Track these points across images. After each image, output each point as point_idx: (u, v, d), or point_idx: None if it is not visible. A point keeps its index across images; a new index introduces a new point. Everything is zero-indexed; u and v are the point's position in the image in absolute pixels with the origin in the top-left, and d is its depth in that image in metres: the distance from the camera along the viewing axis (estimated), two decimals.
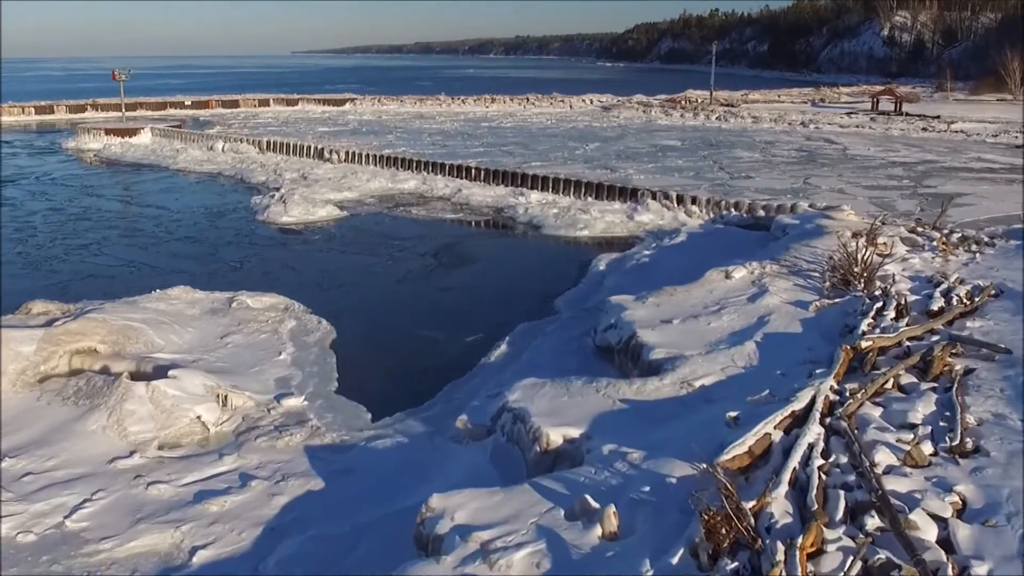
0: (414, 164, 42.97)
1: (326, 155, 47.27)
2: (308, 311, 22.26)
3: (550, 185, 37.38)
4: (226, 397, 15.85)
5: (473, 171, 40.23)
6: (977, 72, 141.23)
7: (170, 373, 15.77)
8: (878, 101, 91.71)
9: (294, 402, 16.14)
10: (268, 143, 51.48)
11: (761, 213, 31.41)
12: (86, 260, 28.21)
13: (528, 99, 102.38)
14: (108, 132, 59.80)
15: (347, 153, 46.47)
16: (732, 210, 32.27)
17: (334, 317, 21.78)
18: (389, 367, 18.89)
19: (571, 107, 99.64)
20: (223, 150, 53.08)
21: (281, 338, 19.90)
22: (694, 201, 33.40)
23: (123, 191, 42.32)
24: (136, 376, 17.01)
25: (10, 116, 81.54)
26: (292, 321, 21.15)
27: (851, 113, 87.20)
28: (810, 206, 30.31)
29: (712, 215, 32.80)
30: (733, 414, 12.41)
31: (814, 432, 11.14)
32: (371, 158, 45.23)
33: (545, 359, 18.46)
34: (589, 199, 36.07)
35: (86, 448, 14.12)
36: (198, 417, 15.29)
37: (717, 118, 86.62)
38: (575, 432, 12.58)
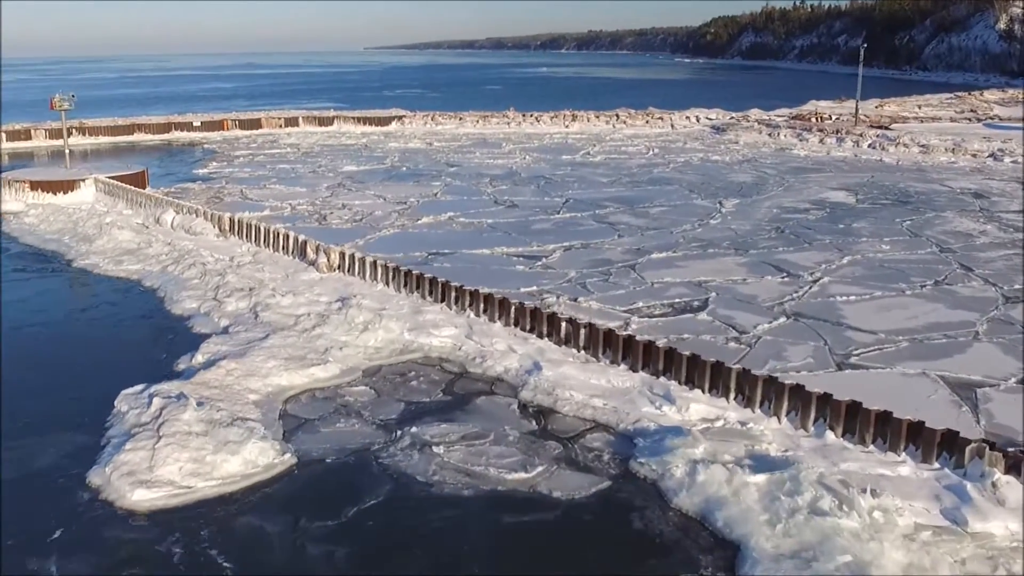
0: (453, 294, 23.19)
1: (310, 254, 28.04)
2: None
3: (731, 385, 17.24)
4: None
5: (563, 327, 20.23)
6: None
7: None
8: None
9: None
10: (232, 223, 32.49)
11: None
12: None
13: (618, 116, 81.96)
14: (35, 186, 41.87)
15: (343, 256, 27.08)
16: None
17: None
18: None
19: (673, 127, 79.00)
20: (172, 225, 34.36)
21: None
22: None
23: None
24: None
25: None
26: None
27: None
28: None
29: None
30: None
31: None
32: (380, 271, 25.69)
33: None
34: (830, 436, 15.93)
35: None
36: None
37: (870, 146, 65.57)
38: None
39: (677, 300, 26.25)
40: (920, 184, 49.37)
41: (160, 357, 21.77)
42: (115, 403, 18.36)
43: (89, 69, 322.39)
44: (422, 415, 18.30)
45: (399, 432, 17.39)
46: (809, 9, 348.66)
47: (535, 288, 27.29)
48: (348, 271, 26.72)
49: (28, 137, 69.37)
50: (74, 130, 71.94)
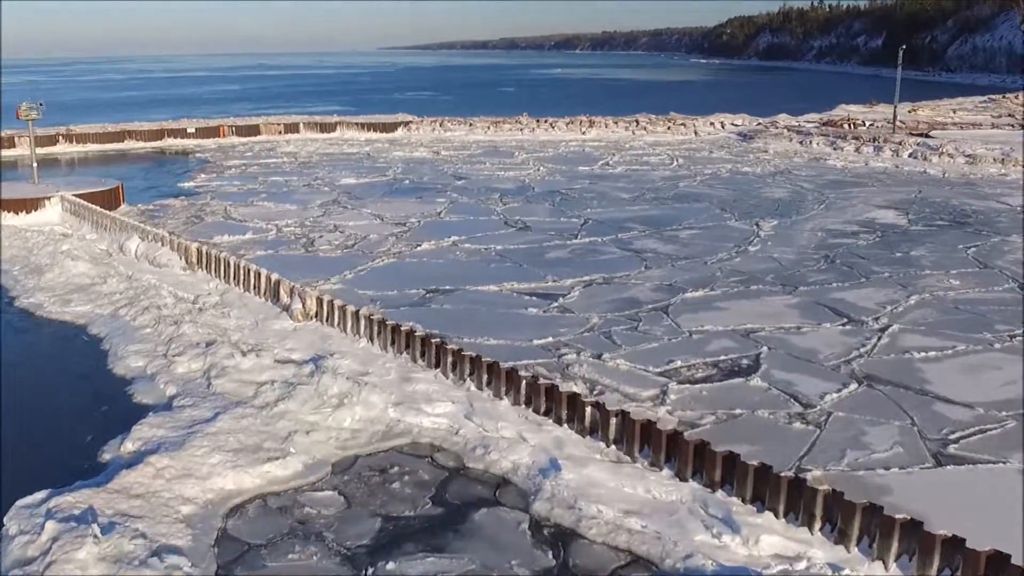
0: (450, 358, 18.67)
1: (284, 298, 23.71)
2: None
3: (816, 511, 12.77)
4: None
5: (587, 414, 15.74)
6: None
7: None
8: None
9: None
10: (201, 255, 28.18)
11: None
12: None
13: (637, 122, 77.47)
14: None
15: (320, 303, 22.73)
16: None
17: None
18: None
19: (696, 134, 74.44)
20: (136, 255, 30.14)
21: None
22: None
23: None
24: None
25: None
26: None
27: None
28: None
29: None
30: None
31: None
32: (364, 324, 21.28)
33: None
34: None
35: None
36: None
37: (911, 155, 60.76)
38: None
39: (722, 357, 21.72)
40: (975, 201, 44.63)
41: (85, 440, 17.45)
42: (4, 520, 14.03)
43: (101, 70, 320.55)
44: (403, 539, 13.87)
45: (370, 570, 12.97)
46: (827, 9, 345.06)
47: (551, 339, 22.84)
48: (327, 321, 22.33)
49: (12, 145, 65.35)
50: (60, 138, 68.21)
